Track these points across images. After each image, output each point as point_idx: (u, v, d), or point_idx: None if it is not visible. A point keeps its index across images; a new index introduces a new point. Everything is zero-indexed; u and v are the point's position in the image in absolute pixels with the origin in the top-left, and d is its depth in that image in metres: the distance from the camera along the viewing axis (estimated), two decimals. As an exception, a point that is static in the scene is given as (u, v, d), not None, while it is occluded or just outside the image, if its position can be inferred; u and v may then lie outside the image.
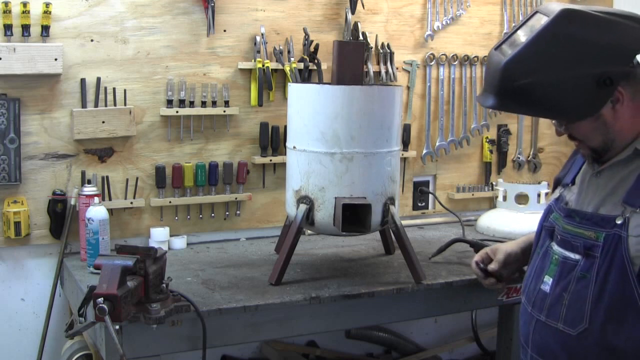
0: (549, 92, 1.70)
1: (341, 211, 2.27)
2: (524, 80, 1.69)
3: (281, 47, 2.93)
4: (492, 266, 2.24)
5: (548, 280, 1.88)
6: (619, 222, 1.74)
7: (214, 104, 2.86)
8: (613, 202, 1.79)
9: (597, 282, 1.76)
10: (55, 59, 2.55)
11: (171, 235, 2.83)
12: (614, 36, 1.68)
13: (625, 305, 1.72)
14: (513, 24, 3.37)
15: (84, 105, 2.67)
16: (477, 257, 2.32)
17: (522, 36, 1.74)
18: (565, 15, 1.68)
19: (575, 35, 1.67)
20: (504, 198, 3.21)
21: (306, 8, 2.99)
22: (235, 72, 2.90)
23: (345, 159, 2.35)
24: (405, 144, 3.19)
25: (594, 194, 1.86)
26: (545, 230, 1.98)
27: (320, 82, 2.93)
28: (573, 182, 1.98)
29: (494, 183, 3.39)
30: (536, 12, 1.78)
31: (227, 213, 2.95)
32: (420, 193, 3.32)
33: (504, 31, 3.36)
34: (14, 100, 2.56)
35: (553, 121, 1.91)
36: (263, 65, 2.87)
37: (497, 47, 1.79)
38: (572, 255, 1.84)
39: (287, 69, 2.91)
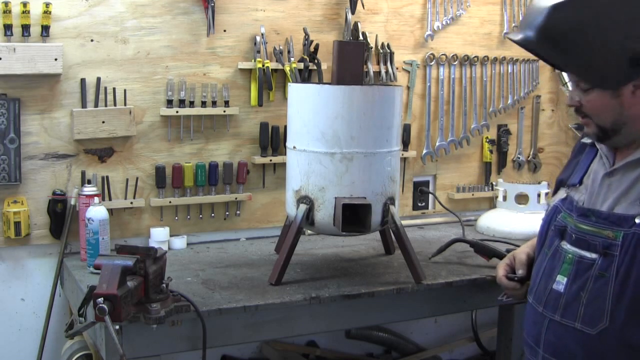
0: (586, 47, 1.69)
1: (341, 211, 2.27)
2: (568, 26, 1.69)
3: (281, 47, 2.93)
4: (521, 272, 2.18)
5: (562, 279, 1.87)
6: (638, 221, 1.74)
7: (214, 104, 2.86)
8: (629, 202, 1.78)
9: (617, 281, 1.74)
10: (55, 59, 2.55)
11: (171, 235, 2.83)
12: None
13: None
14: (513, 24, 3.38)
15: (84, 105, 2.67)
16: (501, 270, 2.23)
17: None
18: None
19: (625, 6, 1.69)
20: (504, 198, 3.21)
21: (306, 8, 2.99)
22: (235, 72, 2.90)
23: (345, 159, 2.35)
24: (405, 144, 3.19)
25: (607, 193, 1.84)
26: (555, 230, 1.96)
27: (320, 82, 2.93)
28: (580, 183, 1.97)
29: (494, 183, 3.39)
30: None
31: (227, 213, 2.95)
32: (420, 193, 3.32)
33: (504, 31, 3.36)
34: (14, 100, 2.56)
35: (571, 87, 1.86)
36: (263, 65, 2.87)
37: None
38: (588, 255, 1.82)
39: (287, 69, 2.91)
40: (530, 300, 1.99)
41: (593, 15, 1.69)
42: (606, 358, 1.77)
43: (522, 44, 1.77)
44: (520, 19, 3.38)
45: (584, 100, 1.81)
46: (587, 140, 2.01)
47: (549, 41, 1.73)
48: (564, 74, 3.46)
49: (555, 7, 1.70)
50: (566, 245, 1.90)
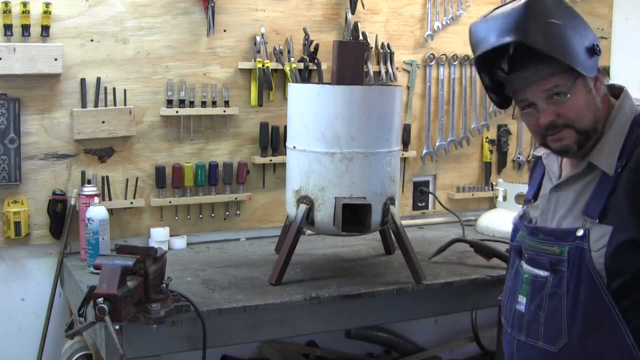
0: (564, 34, 1.69)
1: (341, 211, 2.27)
2: (548, 17, 1.68)
3: (281, 47, 2.93)
4: None
5: (522, 299, 1.88)
6: (579, 234, 1.74)
7: (214, 104, 2.86)
8: (574, 215, 1.79)
9: (568, 297, 1.76)
10: (55, 59, 2.55)
11: (171, 235, 2.83)
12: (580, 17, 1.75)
13: (601, 315, 1.72)
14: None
15: (84, 105, 2.67)
16: None
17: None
18: None
19: (570, 6, 1.74)
20: (504, 198, 3.21)
21: (306, 8, 2.99)
22: (235, 72, 2.90)
23: (345, 159, 2.35)
24: (405, 144, 3.19)
25: (555, 209, 1.85)
26: (514, 249, 1.98)
27: (320, 82, 2.93)
28: (535, 198, 1.97)
29: (494, 183, 3.39)
30: None
31: (227, 213, 2.95)
32: (420, 193, 3.32)
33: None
34: (14, 100, 2.56)
35: (541, 107, 1.77)
36: (263, 65, 2.87)
37: (483, 18, 1.81)
38: (540, 273, 1.83)
39: (287, 69, 2.91)
40: (503, 321, 2.00)
41: (562, 9, 1.71)
42: None
43: (515, 38, 1.69)
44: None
45: (562, 110, 1.74)
46: (538, 152, 2.00)
47: (537, 31, 1.68)
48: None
49: (531, 2, 1.69)
50: (523, 265, 1.91)
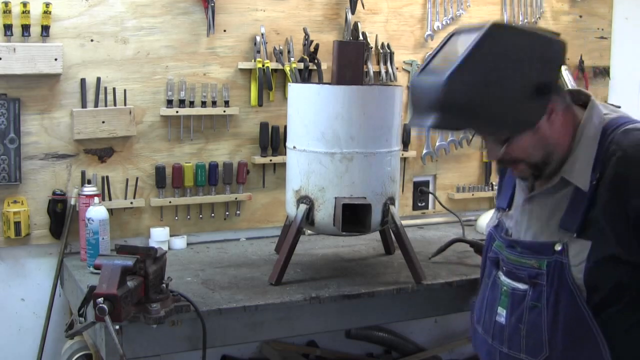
0: (492, 105, 1.63)
1: (341, 211, 2.27)
2: (466, 94, 1.62)
3: (281, 47, 2.93)
4: None
5: (502, 312, 1.88)
6: (558, 248, 1.74)
7: (214, 104, 2.86)
8: (550, 229, 1.78)
9: (549, 310, 1.75)
10: (55, 59, 2.55)
11: (171, 235, 2.83)
12: (542, 49, 1.66)
13: (581, 329, 1.72)
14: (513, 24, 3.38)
15: (84, 105, 2.67)
16: None
17: (446, 58, 1.69)
18: (495, 29, 1.62)
19: (508, 47, 1.63)
20: (504, 198, 3.20)
21: (306, 8, 2.99)
22: (235, 72, 2.90)
23: (345, 159, 2.35)
24: (405, 144, 3.19)
25: (529, 221, 1.85)
26: (490, 260, 1.97)
27: (320, 82, 2.93)
28: (509, 207, 1.96)
29: (494, 183, 3.39)
30: (452, 35, 1.75)
31: (227, 213, 2.95)
32: (420, 193, 3.32)
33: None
34: (14, 100, 2.56)
35: (488, 144, 1.82)
36: (263, 65, 2.87)
37: (421, 72, 1.74)
38: (520, 286, 1.83)
39: (287, 69, 2.91)
40: (479, 331, 1.99)
41: (485, 73, 1.62)
42: None
43: (434, 127, 1.67)
44: (520, 19, 3.39)
45: (508, 150, 1.74)
46: None
47: (454, 116, 1.65)
48: (565, 77, 3.46)
49: (449, 80, 1.61)
50: (501, 277, 1.91)
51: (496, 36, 1.62)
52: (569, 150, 1.76)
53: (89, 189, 2.58)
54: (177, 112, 2.80)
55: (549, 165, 1.78)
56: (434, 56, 1.75)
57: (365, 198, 2.34)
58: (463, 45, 1.64)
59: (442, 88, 1.61)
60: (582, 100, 1.81)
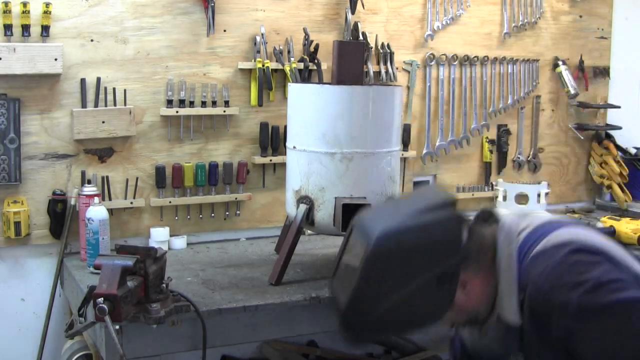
0: (400, 313, 1.62)
1: (341, 211, 2.27)
2: (369, 316, 1.61)
3: (281, 47, 2.93)
4: None
5: None
6: None
7: (214, 104, 2.86)
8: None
9: None
10: (55, 59, 2.55)
11: (171, 235, 2.83)
12: (435, 236, 1.61)
13: None
14: (513, 24, 3.38)
15: (84, 105, 2.67)
16: None
17: (349, 269, 1.68)
18: (380, 240, 1.59)
19: (398, 253, 1.59)
20: (504, 198, 3.21)
21: (306, 8, 2.99)
22: (235, 72, 2.89)
23: (346, 159, 2.34)
24: (405, 144, 3.18)
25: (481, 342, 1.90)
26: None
27: (320, 82, 2.93)
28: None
29: (494, 183, 3.39)
30: (352, 228, 1.74)
31: (227, 213, 2.95)
32: (420, 193, 3.32)
33: (504, 31, 3.37)
34: (14, 100, 2.56)
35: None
36: (263, 65, 2.87)
37: (334, 275, 1.77)
38: None
39: (287, 69, 2.91)
40: None
41: (382, 288, 1.59)
42: None
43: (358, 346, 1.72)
44: (520, 19, 3.39)
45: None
46: None
47: (369, 335, 1.71)
48: (565, 77, 3.47)
49: (345, 315, 1.63)
50: None
51: (383, 245, 1.58)
52: (494, 299, 1.72)
53: (89, 189, 2.58)
54: (177, 112, 2.79)
55: (479, 319, 1.76)
56: (340, 256, 1.77)
57: (365, 198, 2.34)
58: (358, 256, 1.63)
59: (341, 320, 1.65)
60: (494, 220, 1.75)
